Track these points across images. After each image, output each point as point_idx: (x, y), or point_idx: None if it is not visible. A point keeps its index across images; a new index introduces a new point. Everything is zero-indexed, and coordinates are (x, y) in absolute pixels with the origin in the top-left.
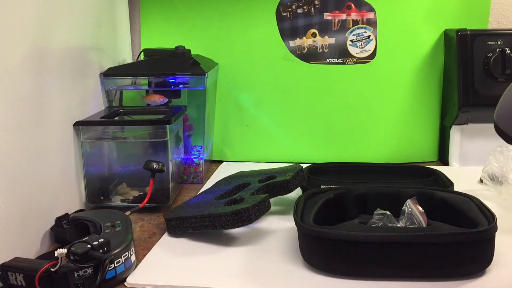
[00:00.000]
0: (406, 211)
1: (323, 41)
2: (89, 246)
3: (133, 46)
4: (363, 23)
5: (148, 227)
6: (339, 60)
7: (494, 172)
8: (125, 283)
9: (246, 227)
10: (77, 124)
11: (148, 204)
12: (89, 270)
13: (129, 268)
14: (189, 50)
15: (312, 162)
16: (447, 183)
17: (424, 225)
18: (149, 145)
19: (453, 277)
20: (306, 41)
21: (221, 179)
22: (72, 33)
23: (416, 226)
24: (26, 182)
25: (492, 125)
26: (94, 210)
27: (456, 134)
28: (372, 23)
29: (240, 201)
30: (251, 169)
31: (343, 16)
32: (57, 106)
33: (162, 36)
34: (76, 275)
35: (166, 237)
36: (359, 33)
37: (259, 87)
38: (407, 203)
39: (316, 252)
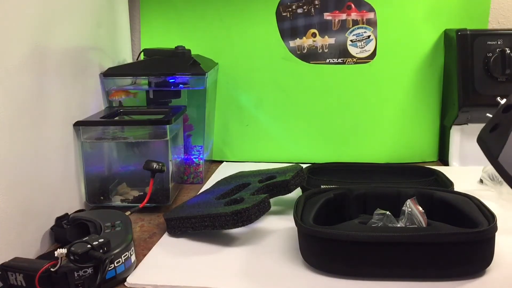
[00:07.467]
0: (406, 211)
1: (323, 41)
2: (89, 246)
3: (133, 46)
4: (363, 23)
5: (148, 227)
6: (339, 60)
7: (494, 172)
8: (125, 283)
9: (246, 227)
10: (77, 124)
11: (148, 204)
12: (89, 270)
13: (129, 268)
14: (189, 50)
15: (312, 162)
16: (447, 183)
17: (424, 225)
18: (149, 145)
19: (453, 277)
20: (306, 41)
21: (221, 179)
22: (72, 33)
23: (416, 226)
24: (26, 182)
25: None
26: (94, 210)
27: (456, 134)
28: (372, 23)
29: (240, 201)
30: (251, 169)
31: (343, 16)
32: (57, 106)
33: (162, 36)
34: (76, 275)
35: (166, 237)
36: (359, 33)
37: (259, 87)
38: (407, 203)
39: (316, 252)
